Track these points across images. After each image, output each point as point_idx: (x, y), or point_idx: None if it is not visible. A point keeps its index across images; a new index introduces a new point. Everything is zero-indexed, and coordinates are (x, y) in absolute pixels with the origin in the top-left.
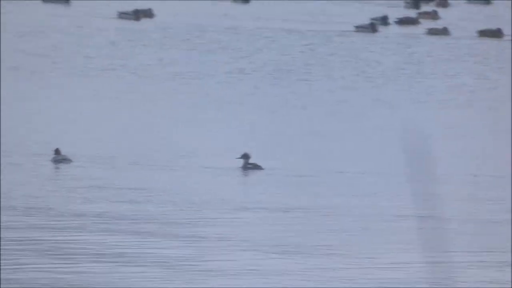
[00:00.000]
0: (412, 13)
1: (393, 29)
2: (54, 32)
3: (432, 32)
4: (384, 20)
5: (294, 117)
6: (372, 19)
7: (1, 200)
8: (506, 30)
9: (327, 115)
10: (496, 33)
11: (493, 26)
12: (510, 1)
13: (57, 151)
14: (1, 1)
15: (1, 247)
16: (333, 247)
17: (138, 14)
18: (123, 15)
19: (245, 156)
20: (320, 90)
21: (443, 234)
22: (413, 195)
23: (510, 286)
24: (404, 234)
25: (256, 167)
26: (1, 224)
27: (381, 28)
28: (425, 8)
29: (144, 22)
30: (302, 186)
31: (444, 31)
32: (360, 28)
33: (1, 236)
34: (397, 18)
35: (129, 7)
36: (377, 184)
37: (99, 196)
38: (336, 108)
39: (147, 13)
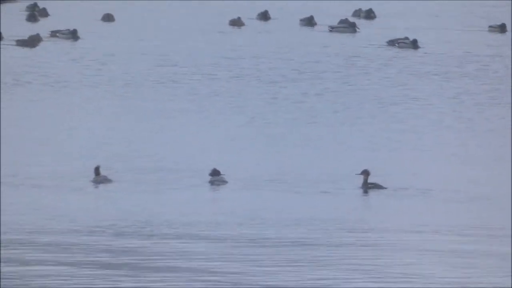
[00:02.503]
0: None
1: None
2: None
3: None
4: None
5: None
6: None
7: None
8: None
9: None
10: None
11: None
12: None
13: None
14: None
15: None
16: None
17: (416, 44)
18: (401, 44)
19: (365, 173)
20: None
21: None
22: None
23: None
24: None
25: (377, 186)
26: None
27: None
28: None
29: (408, 51)
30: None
31: None
32: None
33: None
34: None
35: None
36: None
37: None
38: None
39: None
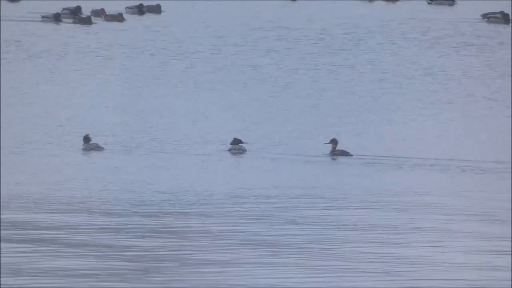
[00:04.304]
0: None
1: None
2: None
3: None
4: None
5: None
6: None
7: None
8: None
9: None
10: None
11: None
12: None
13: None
14: None
15: None
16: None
17: (508, 18)
18: (492, 19)
19: (334, 141)
20: None
21: None
22: None
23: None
24: None
25: (344, 153)
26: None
27: None
28: None
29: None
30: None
31: None
32: None
33: None
34: None
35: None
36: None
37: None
38: None
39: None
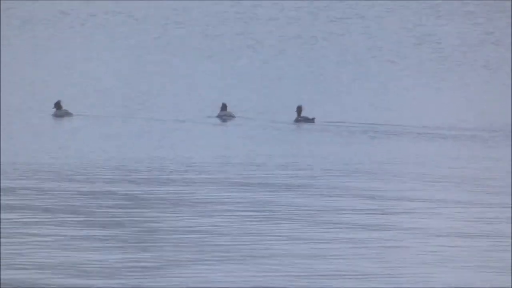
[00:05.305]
0: None
1: None
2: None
3: None
4: None
5: None
6: None
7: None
8: None
9: None
10: None
11: None
12: None
13: None
14: None
15: None
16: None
17: None
18: None
19: (298, 108)
20: None
21: None
22: None
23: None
24: None
25: (307, 120)
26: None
27: None
28: None
29: None
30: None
31: None
32: None
33: None
34: None
35: None
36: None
37: None
38: None
39: None
